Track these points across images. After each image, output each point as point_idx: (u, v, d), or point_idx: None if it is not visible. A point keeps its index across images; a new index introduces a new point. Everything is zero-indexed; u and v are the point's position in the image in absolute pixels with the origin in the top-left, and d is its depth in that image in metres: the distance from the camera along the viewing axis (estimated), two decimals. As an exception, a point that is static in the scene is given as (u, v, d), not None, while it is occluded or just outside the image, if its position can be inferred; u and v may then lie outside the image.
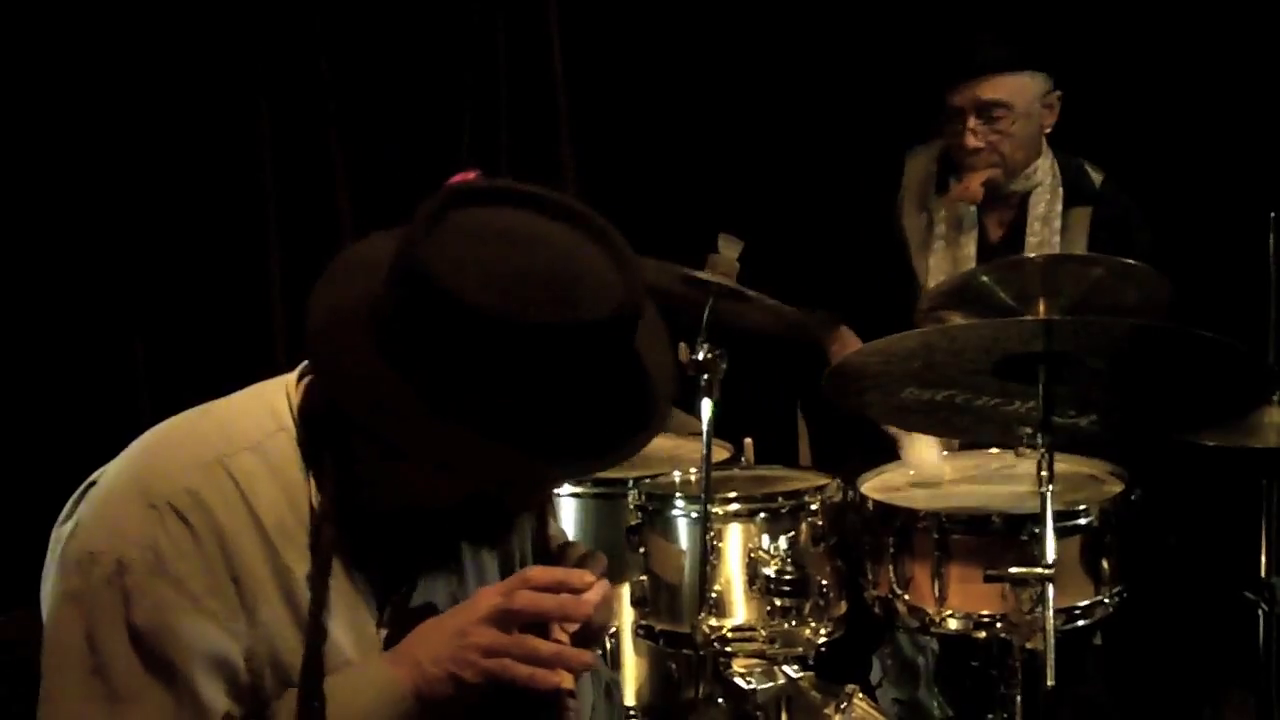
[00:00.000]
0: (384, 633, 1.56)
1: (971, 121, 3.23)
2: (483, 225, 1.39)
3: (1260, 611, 2.79)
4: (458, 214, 1.39)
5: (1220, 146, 3.59)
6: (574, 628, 1.51)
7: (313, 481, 1.49)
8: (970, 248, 3.35)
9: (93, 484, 1.50)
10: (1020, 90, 3.23)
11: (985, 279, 2.69)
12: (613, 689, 1.86)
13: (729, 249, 2.71)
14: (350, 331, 1.40)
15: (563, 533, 1.70)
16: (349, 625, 1.51)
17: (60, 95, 3.40)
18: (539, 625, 1.49)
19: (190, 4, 3.54)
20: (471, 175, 1.50)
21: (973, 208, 3.34)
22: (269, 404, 1.53)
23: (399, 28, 3.82)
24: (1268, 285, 2.79)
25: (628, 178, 4.08)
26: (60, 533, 1.49)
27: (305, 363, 1.55)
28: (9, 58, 3.33)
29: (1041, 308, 2.58)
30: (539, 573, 1.52)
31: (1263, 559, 2.78)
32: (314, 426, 1.51)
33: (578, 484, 2.97)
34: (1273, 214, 2.79)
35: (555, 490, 2.87)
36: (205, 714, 1.43)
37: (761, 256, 2.83)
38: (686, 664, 2.87)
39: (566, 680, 1.46)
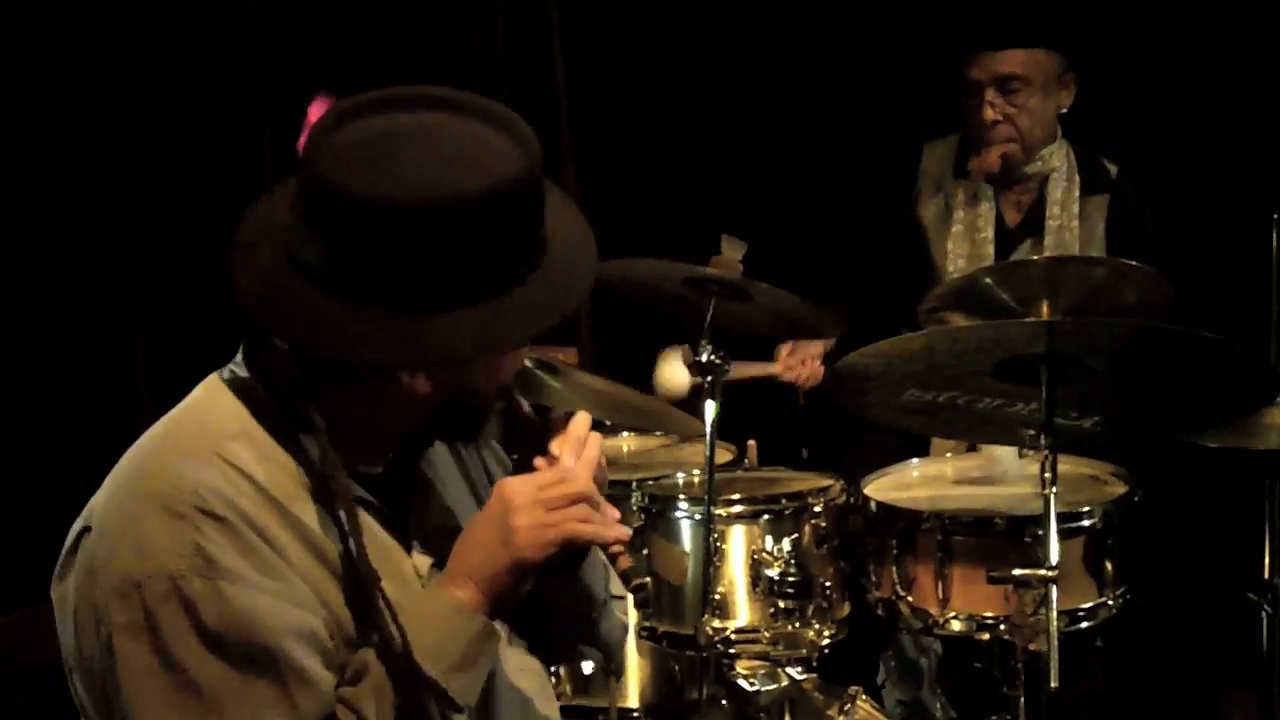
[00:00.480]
0: (422, 563, 1.59)
1: (989, 94, 3.27)
2: (365, 132, 1.43)
3: (1263, 613, 2.79)
4: (339, 131, 1.44)
5: (1223, 148, 3.59)
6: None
7: (310, 446, 1.51)
8: (988, 230, 3.37)
9: (85, 530, 1.48)
10: (1038, 65, 3.26)
11: (987, 280, 2.69)
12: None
13: (732, 250, 2.71)
14: (282, 284, 1.44)
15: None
16: (385, 571, 1.52)
17: (60, 91, 3.40)
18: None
19: (193, 1, 3.54)
20: (325, 103, 1.55)
21: (990, 190, 3.36)
22: (224, 397, 1.54)
23: (399, 26, 3.82)
24: (1269, 286, 2.79)
25: (629, 179, 4.08)
26: (62, 590, 1.48)
27: (241, 348, 1.59)
28: (8, 52, 3.33)
29: (1044, 309, 2.58)
30: (580, 465, 1.59)
31: (1265, 560, 2.78)
32: (289, 395, 1.52)
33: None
34: (1275, 215, 2.79)
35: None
36: (314, 688, 1.44)
37: (769, 254, 2.83)
38: (690, 666, 2.87)
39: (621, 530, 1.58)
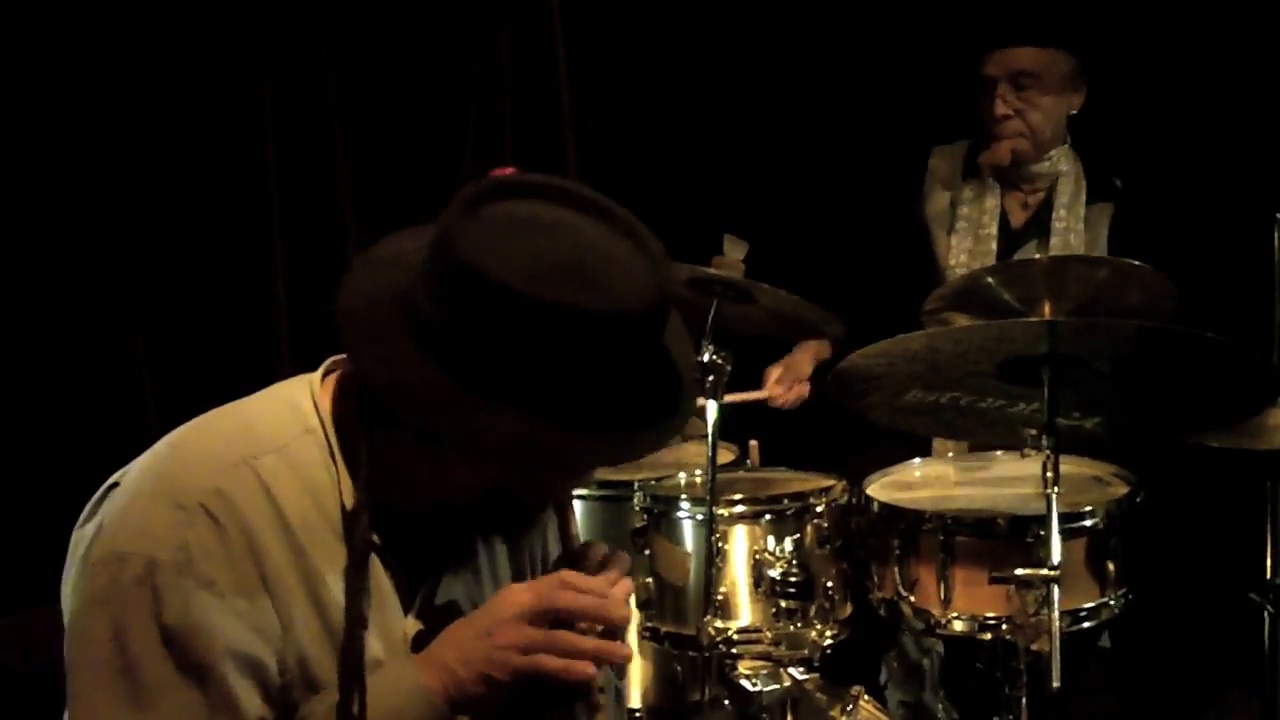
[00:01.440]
0: (412, 628, 1.57)
1: (1002, 88, 3.31)
2: (517, 217, 1.42)
3: (1266, 613, 2.78)
4: (492, 206, 1.42)
5: (1225, 149, 3.59)
6: (600, 627, 1.52)
7: (343, 479, 1.50)
8: (992, 228, 3.39)
9: (115, 485, 1.50)
10: (1051, 64, 3.29)
11: (989, 280, 2.69)
12: (620, 691, 1.87)
13: (734, 250, 2.72)
14: (384, 322, 1.42)
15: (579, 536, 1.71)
16: (376, 623, 1.52)
17: (62, 90, 3.40)
18: (565, 625, 1.50)
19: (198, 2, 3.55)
20: (509, 171, 1.52)
21: (996, 189, 3.39)
22: (293, 405, 1.54)
23: (404, 26, 3.82)
24: (1272, 287, 2.79)
25: (632, 178, 4.07)
26: (82, 534, 1.49)
27: (329, 361, 1.58)
28: (10, 50, 3.33)
29: (1046, 309, 2.58)
30: (574, 575, 1.53)
31: (1268, 561, 2.78)
32: (344, 424, 1.52)
33: (582, 486, 2.97)
34: (1277, 215, 2.79)
35: (576, 492, 2.89)
36: (238, 714, 1.43)
37: (772, 254, 2.83)
38: (692, 666, 2.87)
39: (593, 671, 1.50)
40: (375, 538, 1.51)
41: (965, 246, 3.39)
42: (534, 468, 1.50)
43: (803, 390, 3.49)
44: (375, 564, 1.52)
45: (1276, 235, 2.78)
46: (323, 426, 1.52)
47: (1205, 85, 3.62)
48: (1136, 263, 2.62)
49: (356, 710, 1.45)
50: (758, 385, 3.50)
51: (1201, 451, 2.60)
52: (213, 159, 3.58)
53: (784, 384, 3.46)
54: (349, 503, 1.49)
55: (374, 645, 1.51)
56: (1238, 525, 2.92)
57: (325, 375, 1.57)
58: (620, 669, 1.83)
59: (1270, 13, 3.53)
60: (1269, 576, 2.78)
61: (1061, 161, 3.36)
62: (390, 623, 1.55)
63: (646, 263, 1.45)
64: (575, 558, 1.60)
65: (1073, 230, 3.31)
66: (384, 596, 1.54)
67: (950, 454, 3.14)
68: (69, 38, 3.40)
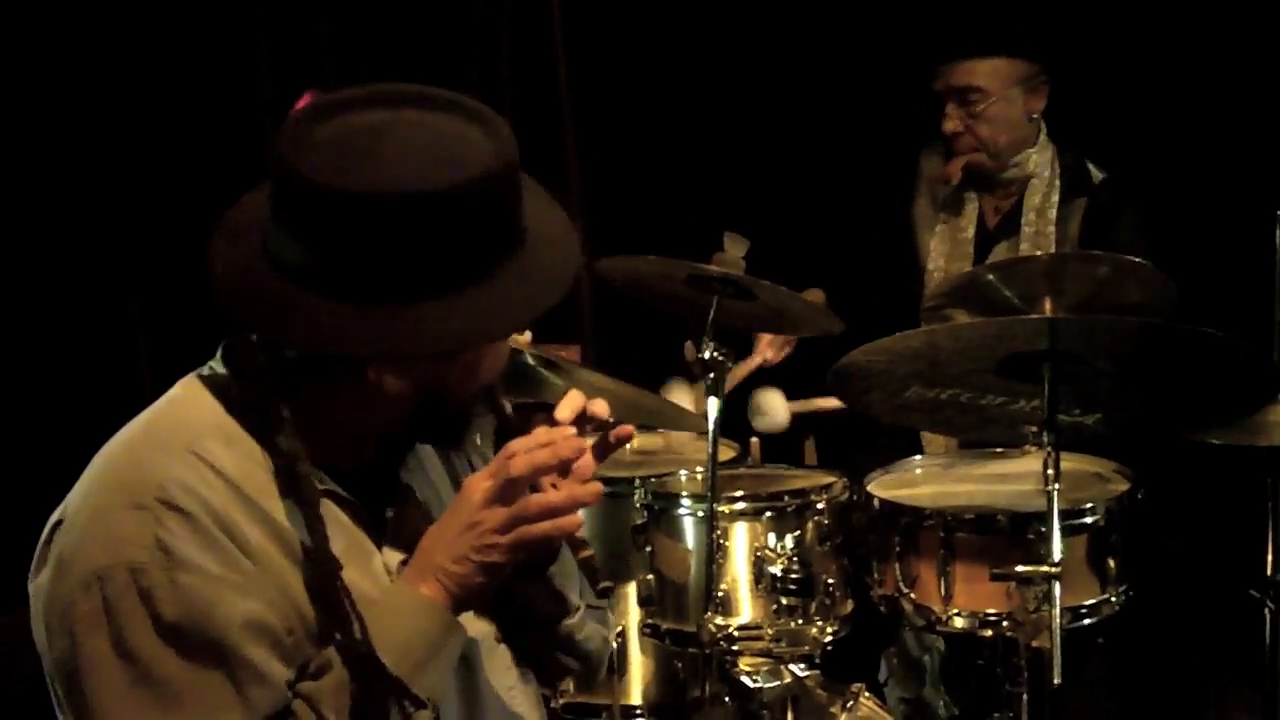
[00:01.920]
0: (393, 559, 1.58)
1: (949, 106, 3.30)
2: (347, 127, 1.43)
3: (1266, 610, 2.78)
4: (321, 125, 1.43)
5: (1226, 145, 3.59)
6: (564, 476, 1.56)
7: (278, 438, 1.50)
8: (969, 230, 3.40)
9: (59, 523, 1.49)
10: (993, 74, 3.27)
11: (990, 278, 2.69)
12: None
13: (735, 248, 2.72)
14: (260, 280, 1.44)
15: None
16: (357, 564, 1.53)
17: (59, 69, 3.40)
18: (533, 489, 1.54)
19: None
20: (309, 96, 1.54)
21: (974, 194, 3.38)
22: (202, 394, 1.54)
23: (404, 28, 3.82)
24: (1273, 284, 2.79)
25: (633, 176, 4.08)
26: (38, 585, 1.48)
27: (225, 341, 1.58)
28: (7, 34, 3.33)
29: (1047, 306, 2.58)
30: (518, 442, 1.54)
31: (1269, 557, 2.78)
32: (261, 389, 1.52)
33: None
34: (1278, 212, 2.79)
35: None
36: (267, 682, 1.44)
37: (773, 251, 2.83)
38: (693, 663, 2.87)
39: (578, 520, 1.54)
40: (321, 484, 1.52)
41: (943, 250, 3.40)
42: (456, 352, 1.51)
43: (789, 349, 3.52)
44: (331, 508, 1.52)
45: (1278, 232, 2.78)
46: (244, 398, 1.52)
47: (1206, 83, 3.61)
48: (1137, 260, 2.62)
49: (363, 647, 1.45)
50: (760, 382, 3.50)
51: (1202, 448, 2.60)
52: (211, 134, 3.58)
53: (775, 346, 3.47)
54: (288, 458, 1.49)
55: (363, 586, 1.51)
56: (1238, 522, 2.92)
57: (226, 354, 1.57)
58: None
59: (1268, 8, 3.53)
60: (1269, 573, 2.78)
61: (1031, 163, 3.34)
62: (369, 561, 1.56)
63: (487, 139, 1.45)
64: (515, 426, 1.61)
65: (1042, 233, 3.30)
66: (352, 536, 1.55)
67: (943, 450, 3.14)
68: (65, 18, 3.40)
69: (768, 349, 3.49)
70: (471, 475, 1.57)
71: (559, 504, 1.52)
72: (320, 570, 1.47)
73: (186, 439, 1.48)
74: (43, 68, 3.39)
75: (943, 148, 3.41)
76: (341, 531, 1.53)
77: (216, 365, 1.57)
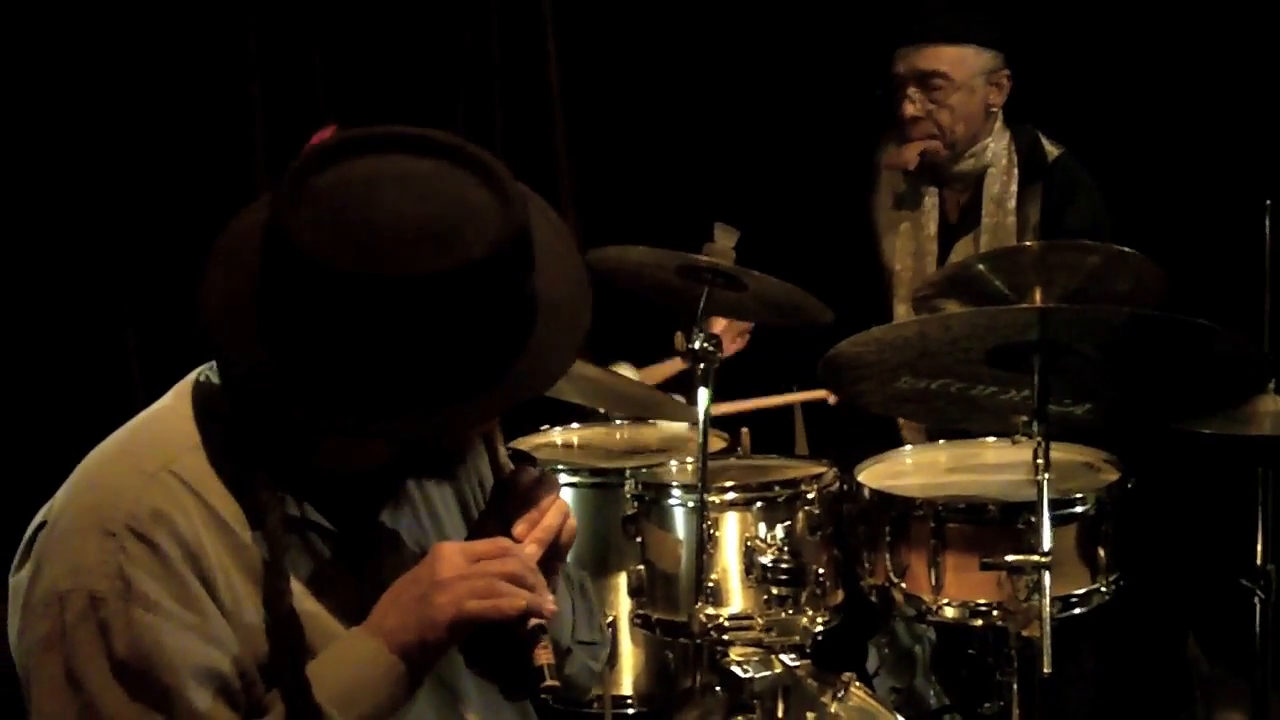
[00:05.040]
0: (372, 590, 1.54)
1: (910, 90, 3.28)
2: (345, 182, 1.36)
3: (1256, 599, 2.79)
4: (319, 176, 1.37)
5: (1216, 134, 3.60)
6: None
7: (254, 462, 1.47)
8: (931, 228, 3.40)
9: (43, 524, 1.47)
10: (960, 62, 3.26)
11: (980, 268, 2.70)
12: (585, 585, 1.85)
13: (725, 238, 2.71)
14: (239, 321, 1.40)
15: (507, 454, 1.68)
16: (329, 598, 1.50)
17: (54, 86, 3.40)
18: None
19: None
20: (328, 131, 1.49)
21: (933, 187, 3.38)
22: (190, 406, 1.51)
23: (393, 20, 3.82)
24: (1263, 273, 2.79)
25: (623, 167, 4.08)
26: (17, 580, 1.46)
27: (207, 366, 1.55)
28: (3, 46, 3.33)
29: (1037, 296, 2.58)
30: (505, 544, 1.52)
31: (1258, 547, 2.79)
32: (241, 414, 1.48)
33: (574, 474, 2.98)
34: (1268, 201, 2.79)
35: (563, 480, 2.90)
36: None
37: (763, 242, 2.83)
38: (683, 653, 2.88)
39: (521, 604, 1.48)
40: (302, 512, 1.49)
41: (909, 249, 3.39)
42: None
43: (741, 342, 3.53)
44: (313, 540, 1.50)
45: (1267, 221, 2.79)
46: (232, 414, 1.49)
47: (1197, 73, 3.62)
48: (1127, 249, 2.62)
49: (307, 693, 1.42)
50: (750, 372, 3.51)
51: (1192, 438, 2.61)
52: (203, 151, 3.57)
53: (728, 335, 3.46)
54: (259, 482, 1.45)
55: (330, 623, 1.49)
56: (1228, 511, 2.93)
57: (205, 374, 1.54)
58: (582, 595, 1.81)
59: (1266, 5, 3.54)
60: (1259, 562, 2.79)
61: (987, 153, 3.33)
62: (344, 594, 1.52)
63: (496, 203, 1.38)
64: (505, 486, 1.58)
65: (1001, 224, 3.29)
66: (327, 570, 1.52)
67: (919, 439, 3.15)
68: (61, 34, 3.40)
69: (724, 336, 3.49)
70: (441, 544, 1.52)
71: (518, 604, 1.48)
72: (276, 610, 1.44)
73: (166, 457, 1.45)
74: (40, 90, 3.39)
75: (897, 135, 3.40)
76: (316, 563, 1.50)
77: (212, 373, 1.54)
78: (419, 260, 1.32)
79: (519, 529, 1.54)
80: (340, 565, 1.54)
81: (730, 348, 3.47)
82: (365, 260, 1.32)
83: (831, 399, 3.48)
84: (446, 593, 1.46)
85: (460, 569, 1.47)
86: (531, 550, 1.53)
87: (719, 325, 3.44)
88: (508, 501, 1.58)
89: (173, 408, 1.52)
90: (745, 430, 3.09)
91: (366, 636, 1.48)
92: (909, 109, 3.27)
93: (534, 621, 1.48)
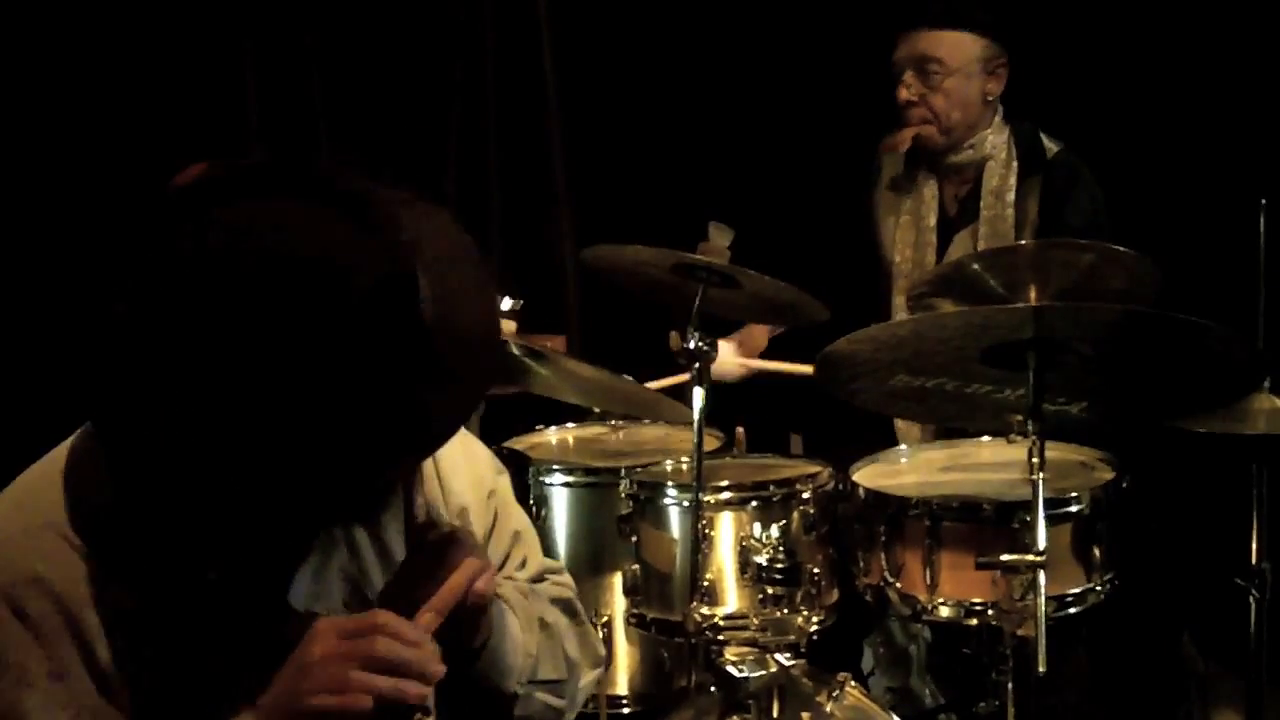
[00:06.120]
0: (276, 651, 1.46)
1: (906, 75, 3.30)
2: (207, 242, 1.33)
3: (1250, 598, 2.79)
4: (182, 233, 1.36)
5: (1210, 133, 3.59)
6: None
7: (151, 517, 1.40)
8: (931, 219, 3.39)
9: None
10: (957, 47, 3.27)
11: (975, 266, 2.70)
12: (575, 606, 1.81)
13: (720, 237, 2.71)
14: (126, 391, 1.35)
15: (424, 506, 1.60)
16: (232, 658, 1.44)
17: (47, 81, 3.39)
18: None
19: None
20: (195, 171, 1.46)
21: (933, 180, 3.38)
22: (88, 454, 1.46)
23: (388, 19, 3.81)
24: (1258, 271, 2.79)
25: (618, 165, 4.07)
26: None
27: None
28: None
29: (1031, 294, 2.58)
30: (391, 620, 1.40)
31: (1253, 545, 2.78)
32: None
33: (569, 473, 2.98)
34: (1263, 200, 2.79)
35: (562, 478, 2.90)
36: None
37: (758, 241, 2.83)
38: (678, 653, 2.87)
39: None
40: (206, 566, 1.43)
41: (909, 240, 3.39)
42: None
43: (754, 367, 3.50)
44: (218, 595, 1.44)
45: (1262, 220, 2.79)
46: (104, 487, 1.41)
47: (1193, 71, 3.62)
48: (1121, 248, 2.62)
49: None
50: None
51: (1187, 436, 2.60)
52: (198, 145, 3.56)
53: (764, 335, 3.47)
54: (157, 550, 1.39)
55: (232, 688, 1.41)
56: (1223, 510, 2.93)
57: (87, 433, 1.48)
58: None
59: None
60: (1254, 561, 2.79)
61: (987, 145, 3.33)
62: (247, 654, 1.44)
63: (371, 243, 1.28)
64: (415, 548, 1.53)
65: (1001, 216, 3.29)
66: (230, 627, 1.45)
67: (917, 438, 3.14)
68: (57, 29, 3.39)
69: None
70: (320, 620, 1.41)
71: (384, 692, 1.36)
72: (162, 670, 1.41)
73: (52, 513, 1.41)
74: (40, 90, 3.38)
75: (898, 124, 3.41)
76: (218, 621, 1.44)
77: (87, 442, 1.48)
78: (295, 313, 1.26)
79: (420, 594, 1.46)
80: (246, 624, 1.47)
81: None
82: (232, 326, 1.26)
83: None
84: (308, 679, 1.37)
85: (330, 648, 1.37)
86: (427, 619, 1.43)
87: (759, 332, 3.45)
88: (415, 564, 1.51)
89: (65, 456, 1.48)
90: (740, 429, 3.09)
91: (247, 712, 1.40)
92: (903, 93, 3.29)
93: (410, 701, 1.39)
